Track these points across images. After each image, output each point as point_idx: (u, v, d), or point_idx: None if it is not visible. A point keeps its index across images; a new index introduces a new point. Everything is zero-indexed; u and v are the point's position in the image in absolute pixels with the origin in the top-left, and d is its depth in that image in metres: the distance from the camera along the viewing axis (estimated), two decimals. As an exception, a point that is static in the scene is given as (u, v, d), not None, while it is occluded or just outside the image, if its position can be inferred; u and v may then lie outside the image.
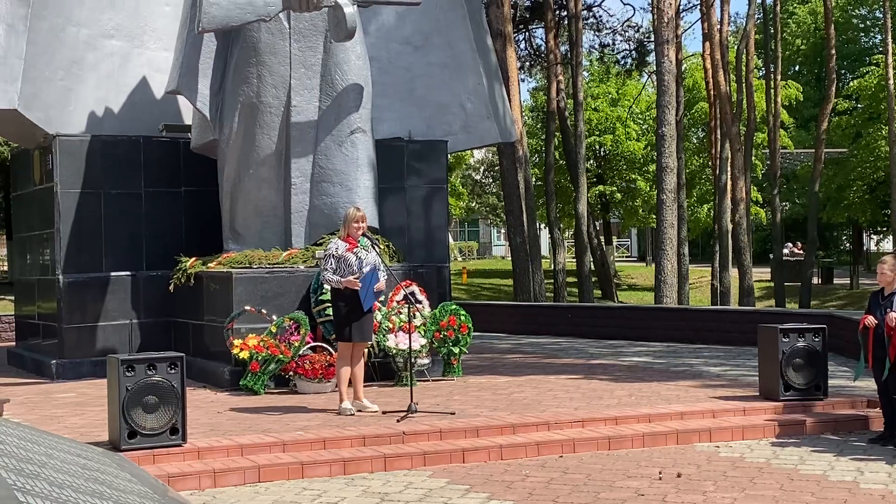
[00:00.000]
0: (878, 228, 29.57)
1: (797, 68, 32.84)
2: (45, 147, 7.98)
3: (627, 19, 24.22)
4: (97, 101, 8.35)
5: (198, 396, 6.01)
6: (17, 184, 9.67)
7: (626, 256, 43.50)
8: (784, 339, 5.45)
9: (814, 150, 21.43)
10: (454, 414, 5.24)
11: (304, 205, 7.41)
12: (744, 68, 20.10)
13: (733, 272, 19.05)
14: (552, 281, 19.79)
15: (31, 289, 8.78)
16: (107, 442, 4.46)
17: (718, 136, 19.82)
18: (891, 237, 23.07)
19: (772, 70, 21.68)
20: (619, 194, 29.64)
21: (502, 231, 35.82)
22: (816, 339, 5.51)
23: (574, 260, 22.33)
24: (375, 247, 5.49)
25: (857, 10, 31.12)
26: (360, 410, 5.25)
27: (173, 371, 4.46)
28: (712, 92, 20.01)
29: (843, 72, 27.76)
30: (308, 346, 6.34)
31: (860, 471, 4.09)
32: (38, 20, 7.57)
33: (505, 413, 5.42)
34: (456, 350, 6.89)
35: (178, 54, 7.17)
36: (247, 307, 6.49)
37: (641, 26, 24.04)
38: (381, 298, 5.91)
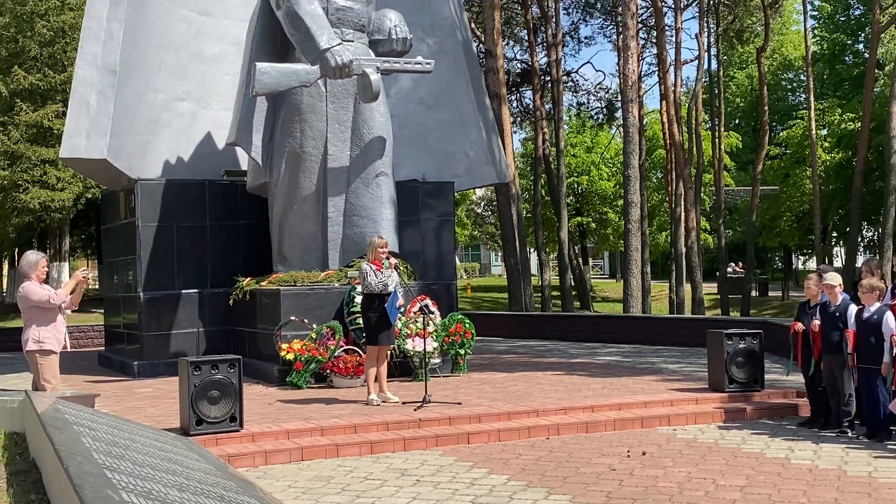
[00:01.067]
0: (805, 251, 29.43)
1: (737, 122, 32.86)
2: (128, 189, 7.75)
3: (599, 83, 24.65)
4: (171, 152, 8.10)
5: (252, 391, 5.79)
6: (106, 219, 9.49)
7: (600, 274, 43.01)
8: (728, 342, 5.29)
9: (751, 188, 21.47)
10: (460, 404, 5.09)
11: (338, 235, 7.10)
12: (694, 122, 20.34)
13: (687, 287, 18.78)
14: (540, 294, 19.63)
15: (117, 303, 8.54)
16: (178, 428, 4.34)
17: (673, 177, 19.87)
18: (814, 258, 22.79)
19: (716, 123, 21.78)
20: (593, 224, 29.53)
21: (499, 254, 35.13)
22: (755, 342, 5.38)
23: (558, 277, 22.16)
24: (397, 268, 5.36)
25: (785, 74, 31.35)
26: (384, 401, 5.10)
27: (232, 370, 4.35)
28: (668, 141, 20.10)
29: (774, 124, 27.73)
30: (342, 349, 6.15)
31: (791, 449, 4.02)
32: (123, 86, 7.32)
33: (501, 403, 5.24)
34: (462, 351, 6.72)
35: (235, 113, 6.99)
36: (292, 317, 6.32)
37: (611, 88, 24.53)
38: (401, 310, 5.61)
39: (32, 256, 4.22)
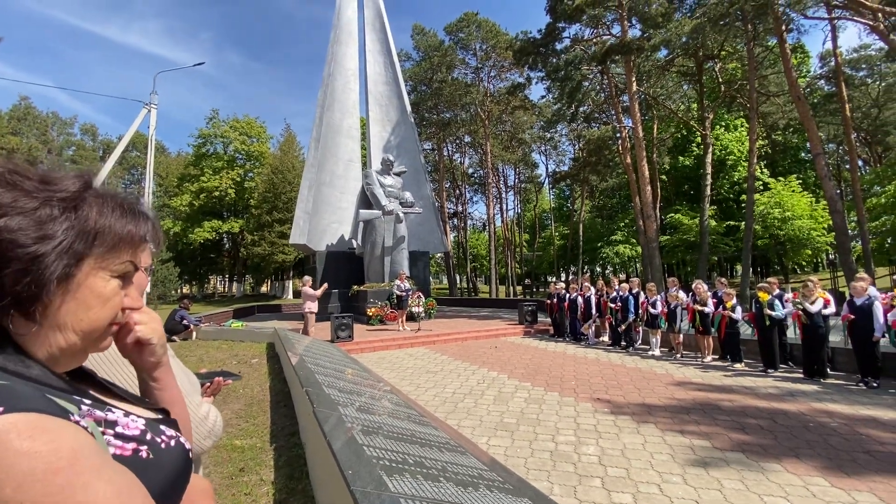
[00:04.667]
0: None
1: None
2: (314, 253, 16.85)
3: (480, 217, 43.13)
4: (330, 237, 17.04)
5: (357, 327, 13.99)
6: (304, 266, 18.34)
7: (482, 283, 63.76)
8: (525, 306, 14.47)
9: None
10: (431, 330, 14.31)
11: (387, 269, 16.30)
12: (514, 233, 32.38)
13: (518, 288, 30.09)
14: (467, 291, 31.41)
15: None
16: (329, 340, 9.96)
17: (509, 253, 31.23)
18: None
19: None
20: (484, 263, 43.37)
21: (443, 276, 53.62)
22: (533, 306, 14.77)
23: (467, 284, 37.68)
24: (409, 280, 15.12)
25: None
26: (404, 329, 14.09)
27: (349, 319, 10.59)
28: (505, 238, 32.59)
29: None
30: (388, 310, 15.11)
31: (556, 344, 13.23)
32: (311, 216, 16.80)
33: (447, 329, 13.66)
34: (432, 311, 15.99)
35: (353, 226, 17.12)
36: (371, 300, 15.64)
37: (483, 217, 41.35)
38: (412, 297, 15.30)
39: (306, 278, 14.16)
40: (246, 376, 7.01)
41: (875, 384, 6.62)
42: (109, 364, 0.97)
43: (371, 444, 2.49)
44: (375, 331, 12.85)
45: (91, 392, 0.67)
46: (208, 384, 1.35)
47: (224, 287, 60.30)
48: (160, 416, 0.73)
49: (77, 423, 0.55)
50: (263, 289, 54.20)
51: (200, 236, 39.79)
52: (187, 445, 0.70)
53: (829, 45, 40.86)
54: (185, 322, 12.05)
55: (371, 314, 14.81)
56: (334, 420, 2.84)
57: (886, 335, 6.84)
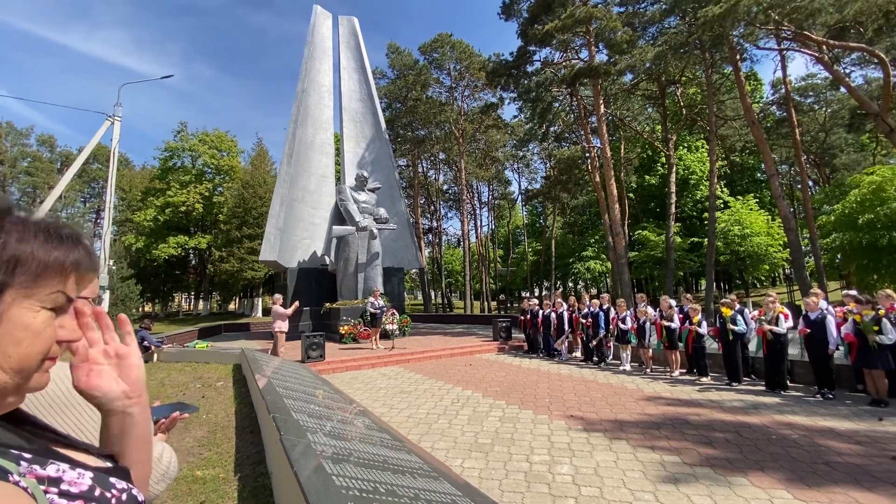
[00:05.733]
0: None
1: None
2: (285, 270, 16.58)
3: (455, 232, 44.61)
4: (301, 254, 16.92)
5: (329, 345, 13.97)
6: (275, 283, 18.15)
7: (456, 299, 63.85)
8: (499, 322, 14.68)
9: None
10: (405, 348, 14.27)
11: (361, 287, 16.21)
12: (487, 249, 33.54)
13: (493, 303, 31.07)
14: (433, 306, 31.15)
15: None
16: (299, 360, 9.97)
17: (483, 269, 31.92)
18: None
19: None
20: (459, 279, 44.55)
21: (418, 292, 56.24)
22: (507, 323, 14.83)
23: (442, 300, 38.17)
24: (383, 297, 14.97)
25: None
26: (377, 348, 14.05)
27: (320, 338, 11.93)
28: (479, 254, 33.08)
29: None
30: (361, 328, 15.09)
31: (530, 360, 13.37)
32: (282, 231, 16.44)
33: (420, 347, 13.62)
34: (406, 328, 15.88)
35: (326, 243, 16.96)
36: (344, 318, 15.42)
37: (458, 233, 41.87)
38: (386, 315, 15.12)
39: (276, 296, 13.78)
40: (210, 400, 6.71)
41: (831, 395, 6.91)
42: (59, 408, 0.90)
43: (341, 472, 2.40)
44: (348, 349, 12.70)
45: (31, 437, 0.62)
46: (163, 420, 1.27)
47: (189, 305, 58.20)
48: (110, 466, 0.68)
49: (17, 483, 0.50)
50: (231, 306, 52.56)
51: (165, 252, 38.32)
52: (140, 497, 0.65)
53: (779, 73, 43.70)
54: (145, 343, 11.50)
55: (344, 332, 14.53)
56: (302, 448, 2.74)
57: (840, 348, 7.18)
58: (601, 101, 20.94)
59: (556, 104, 24.22)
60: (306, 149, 18.05)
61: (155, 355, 11.62)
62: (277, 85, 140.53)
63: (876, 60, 16.64)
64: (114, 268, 20.08)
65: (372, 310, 13.21)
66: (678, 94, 27.78)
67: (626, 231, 31.71)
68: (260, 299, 41.10)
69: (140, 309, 47.18)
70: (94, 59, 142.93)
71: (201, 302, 46.35)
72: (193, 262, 46.74)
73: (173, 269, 45.29)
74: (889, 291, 6.77)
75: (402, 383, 8.71)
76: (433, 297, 51.55)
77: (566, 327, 11.72)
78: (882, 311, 6.59)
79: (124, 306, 27.26)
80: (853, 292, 7.50)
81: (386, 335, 13.94)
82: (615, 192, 20.03)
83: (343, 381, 9.16)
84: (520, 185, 48.97)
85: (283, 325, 11.24)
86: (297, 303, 11.69)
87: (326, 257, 17.67)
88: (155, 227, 39.94)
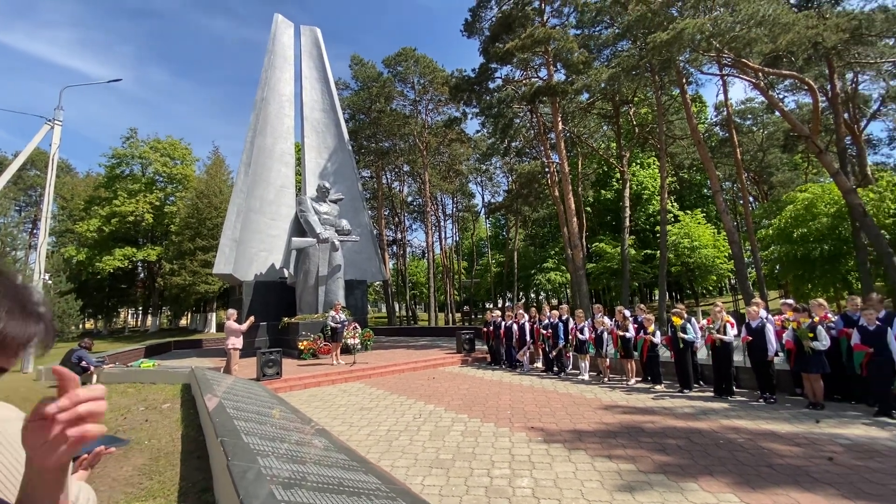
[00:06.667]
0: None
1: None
2: (240, 283, 15.79)
3: (420, 244, 45.32)
4: (258, 268, 16.20)
5: (287, 362, 13.37)
6: (230, 298, 17.33)
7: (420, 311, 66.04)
8: (462, 335, 14.75)
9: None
10: (367, 363, 13.97)
11: (321, 300, 15.78)
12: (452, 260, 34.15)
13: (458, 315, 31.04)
14: (398, 319, 30.98)
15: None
16: (254, 378, 9.67)
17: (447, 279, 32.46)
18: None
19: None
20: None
21: (381, 304, 54.92)
22: (471, 335, 14.89)
23: (406, 312, 37.34)
24: (345, 310, 14.60)
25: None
26: (338, 364, 13.71)
27: (277, 354, 10.47)
28: (444, 265, 33.25)
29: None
30: (321, 343, 14.59)
31: (493, 371, 13.17)
32: (238, 244, 15.63)
33: (383, 362, 13.36)
34: (368, 342, 15.27)
35: (285, 255, 16.37)
36: (303, 333, 14.88)
37: (423, 245, 42.62)
38: (348, 329, 14.74)
39: (231, 311, 13.14)
40: (155, 424, 6.28)
41: (773, 399, 7.31)
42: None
43: (292, 499, 2.28)
44: (307, 366, 12.32)
45: None
46: (85, 455, 1.15)
47: (137, 321, 54.75)
48: None
49: None
50: (183, 322, 49.96)
51: (110, 265, 35.95)
52: None
53: (721, 97, 46.84)
54: (83, 364, 10.67)
55: (303, 348, 14.06)
56: (252, 474, 2.59)
57: (780, 354, 7.63)
58: (559, 119, 21.66)
59: (517, 120, 24.84)
60: (265, 158, 17.56)
61: (94, 377, 10.80)
62: (236, 92, 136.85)
63: (806, 87, 18.14)
64: (50, 282, 18.58)
65: (333, 324, 12.87)
66: (631, 113, 29.19)
67: (584, 244, 32.83)
68: (214, 314, 39.19)
69: (80, 326, 43.88)
70: (37, 60, 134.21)
71: (150, 317, 43.75)
72: (142, 275, 44.15)
73: (119, 282, 42.62)
74: (821, 301, 7.30)
75: (363, 399, 8.50)
76: (397, 310, 50.39)
77: (528, 338, 11.86)
78: (817, 319, 7.07)
79: (62, 323, 25.31)
80: (790, 301, 8.03)
81: (347, 350, 13.61)
82: (573, 205, 20.66)
83: (301, 399, 8.83)
84: (483, 198, 49.75)
85: (237, 342, 10.78)
86: (252, 318, 11.23)
87: (285, 270, 17.12)
88: (99, 239, 37.48)
